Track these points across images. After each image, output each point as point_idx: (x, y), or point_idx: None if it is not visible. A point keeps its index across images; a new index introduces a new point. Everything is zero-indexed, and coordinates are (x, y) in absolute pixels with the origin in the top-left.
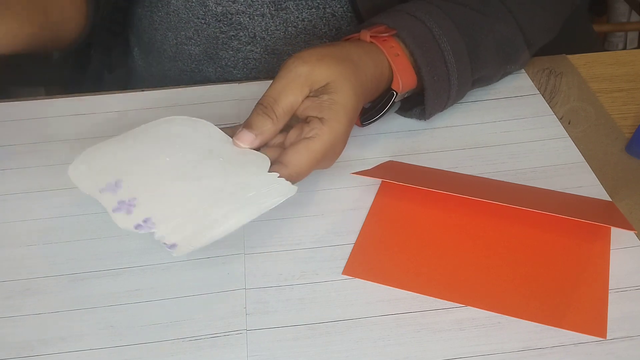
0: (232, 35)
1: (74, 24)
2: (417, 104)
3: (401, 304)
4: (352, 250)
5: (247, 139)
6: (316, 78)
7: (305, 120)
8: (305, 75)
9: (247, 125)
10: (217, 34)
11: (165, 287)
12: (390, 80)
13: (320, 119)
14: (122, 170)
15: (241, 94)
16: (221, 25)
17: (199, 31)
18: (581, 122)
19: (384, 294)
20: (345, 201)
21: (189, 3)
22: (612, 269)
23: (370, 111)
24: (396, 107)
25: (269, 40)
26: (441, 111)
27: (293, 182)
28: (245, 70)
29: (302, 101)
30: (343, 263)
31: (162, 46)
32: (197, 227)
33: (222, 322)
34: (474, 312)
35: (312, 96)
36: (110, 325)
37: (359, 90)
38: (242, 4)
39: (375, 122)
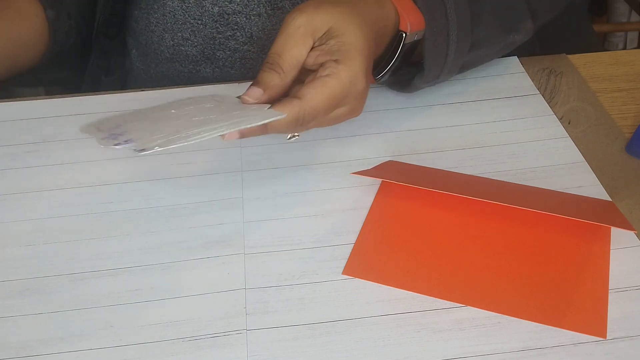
0: (229, 35)
1: (34, 50)
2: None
3: (401, 304)
4: (352, 250)
5: (255, 94)
6: (316, 25)
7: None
8: (304, 25)
9: (255, 82)
10: (214, 35)
11: (165, 287)
12: (397, 26)
13: (335, 60)
14: (127, 119)
15: (240, 94)
16: (218, 25)
17: (196, 32)
18: (581, 122)
19: (384, 294)
20: (345, 201)
21: (185, 4)
22: (612, 269)
23: (380, 63)
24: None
25: (266, 39)
26: (439, 74)
27: (307, 121)
28: (242, 70)
29: (309, 53)
30: (343, 263)
31: (159, 47)
32: (168, 137)
33: (222, 322)
34: (474, 312)
35: (318, 45)
36: (110, 325)
37: (366, 29)
38: (238, 4)
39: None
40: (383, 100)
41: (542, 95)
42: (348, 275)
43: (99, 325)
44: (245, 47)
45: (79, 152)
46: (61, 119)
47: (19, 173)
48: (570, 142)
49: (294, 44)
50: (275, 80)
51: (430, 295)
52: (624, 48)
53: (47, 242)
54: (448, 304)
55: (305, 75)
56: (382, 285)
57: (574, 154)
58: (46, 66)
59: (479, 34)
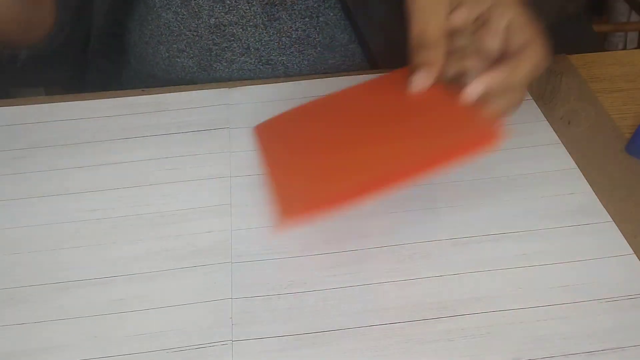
0: (226, 46)
1: (44, 24)
2: None
3: (389, 314)
4: (275, 196)
5: (420, 78)
6: None
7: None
8: None
9: (412, 69)
10: (210, 46)
11: (150, 297)
12: None
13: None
14: None
15: (232, 99)
16: (214, 37)
17: (192, 44)
18: (581, 122)
19: (372, 304)
20: None
21: (180, 16)
22: (604, 279)
23: None
24: None
25: (263, 50)
26: None
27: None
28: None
29: (454, 13)
30: (332, 272)
31: (154, 59)
32: None
33: (208, 333)
34: (463, 322)
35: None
36: (94, 336)
37: None
38: (235, 15)
39: None
40: None
41: (542, 96)
42: (287, 223)
43: (83, 336)
44: (242, 58)
45: (66, 159)
46: (48, 124)
47: (6, 179)
48: (562, 149)
49: (432, 15)
50: (430, 55)
51: (372, 193)
52: (624, 48)
53: (31, 251)
54: (437, 313)
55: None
56: (370, 285)
57: (566, 161)
58: (46, 66)
59: None
